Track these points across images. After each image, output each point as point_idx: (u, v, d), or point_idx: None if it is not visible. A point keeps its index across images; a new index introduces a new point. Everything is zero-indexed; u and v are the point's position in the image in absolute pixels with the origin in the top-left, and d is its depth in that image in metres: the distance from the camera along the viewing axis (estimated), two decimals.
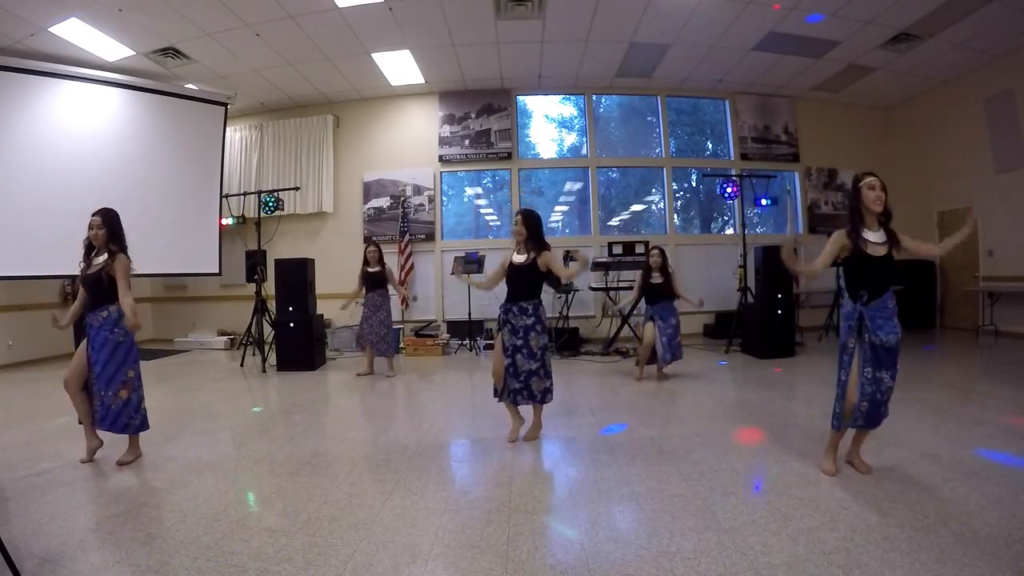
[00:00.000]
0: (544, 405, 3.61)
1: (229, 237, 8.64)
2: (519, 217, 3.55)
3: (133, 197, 7.31)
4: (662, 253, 5.44)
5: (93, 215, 3.26)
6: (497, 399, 3.63)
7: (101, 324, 3.17)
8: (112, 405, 3.16)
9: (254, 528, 2.39)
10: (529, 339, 3.47)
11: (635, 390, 5.09)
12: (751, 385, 5.26)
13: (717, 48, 7.42)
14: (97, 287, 3.16)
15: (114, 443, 3.36)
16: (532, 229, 3.51)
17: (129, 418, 3.22)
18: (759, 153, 9.03)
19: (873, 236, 2.71)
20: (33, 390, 5.61)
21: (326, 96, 8.72)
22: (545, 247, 3.51)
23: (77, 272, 3.28)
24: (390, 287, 6.16)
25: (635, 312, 6.49)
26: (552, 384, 3.59)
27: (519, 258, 3.54)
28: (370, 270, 5.97)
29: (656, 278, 5.34)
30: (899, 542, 2.10)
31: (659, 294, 5.35)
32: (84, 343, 3.23)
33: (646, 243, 5.63)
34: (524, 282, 3.53)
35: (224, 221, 8.46)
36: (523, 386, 3.49)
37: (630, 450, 3.32)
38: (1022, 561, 1.94)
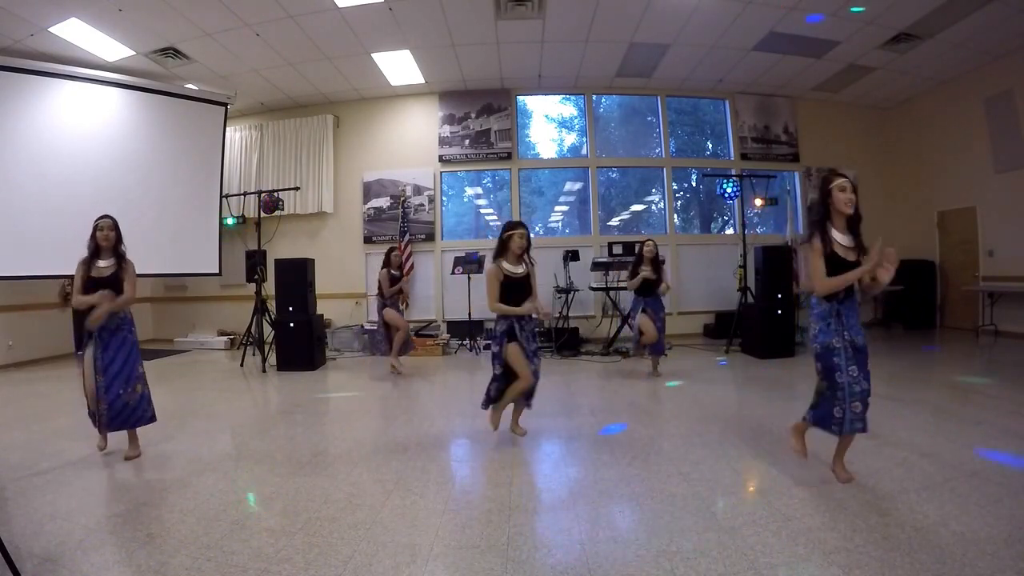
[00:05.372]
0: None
1: (229, 237, 8.65)
2: (525, 231, 3.56)
3: (133, 197, 7.33)
4: (655, 246, 5.53)
5: (103, 218, 3.32)
6: (487, 407, 3.59)
7: (118, 325, 3.32)
8: (129, 401, 3.31)
9: (254, 528, 2.39)
10: (537, 340, 3.65)
11: (635, 390, 5.09)
12: (751, 385, 5.27)
13: (717, 48, 7.41)
14: (115, 290, 3.22)
15: (118, 441, 3.39)
16: (530, 243, 3.65)
17: (144, 411, 3.39)
18: (759, 153, 9.03)
19: (842, 239, 2.62)
20: (33, 390, 5.61)
21: (326, 96, 8.71)
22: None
23: (73, 272, 3.29)
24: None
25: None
26: None
27: (518, 270, 3.57)
28: (395, 272, 6.26)
29: (648, 272, 5.40)
30: (899, 542, 2.10)
31: (649, 287, 5.43)
32: (90, 353, 3.24)
33: (642, 242, 5.63)
34: (527, 293, 3.59)
35: (227, 221, 8.50)
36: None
37: (630, 450, 3.32)
38: (1022, 561, 1.94)
